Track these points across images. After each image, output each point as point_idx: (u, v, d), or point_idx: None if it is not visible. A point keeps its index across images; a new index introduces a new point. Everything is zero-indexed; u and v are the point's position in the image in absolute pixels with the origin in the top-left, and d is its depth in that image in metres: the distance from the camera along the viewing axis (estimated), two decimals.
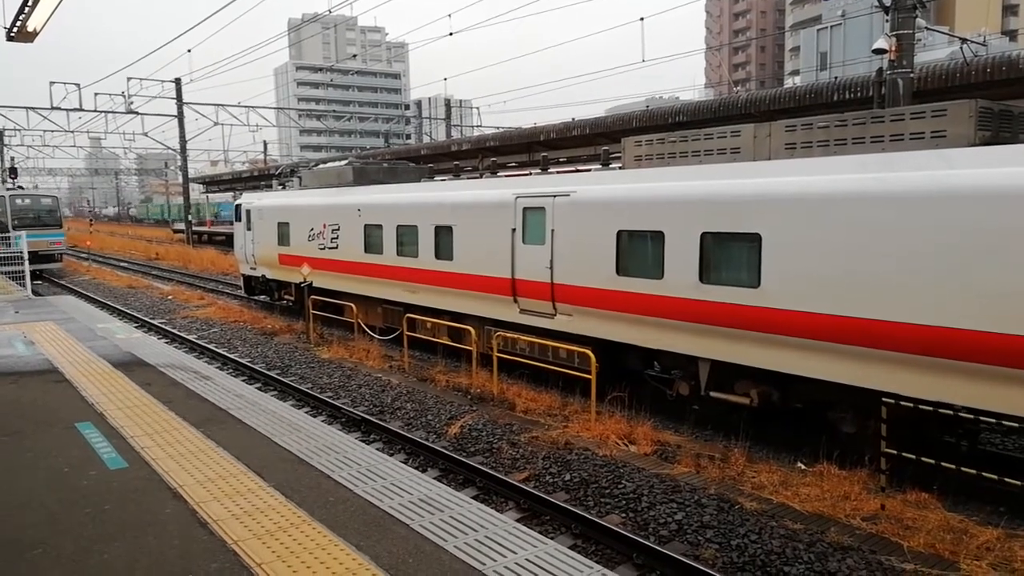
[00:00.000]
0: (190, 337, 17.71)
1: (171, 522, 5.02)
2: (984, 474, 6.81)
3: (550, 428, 10.13)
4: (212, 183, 66.84)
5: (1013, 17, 66.23)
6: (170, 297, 25.72)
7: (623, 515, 7.59)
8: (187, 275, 33.90)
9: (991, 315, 6.88)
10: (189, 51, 35.24)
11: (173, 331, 18.52)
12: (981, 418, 7.12)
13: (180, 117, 45.09)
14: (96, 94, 41.50)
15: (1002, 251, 6.82)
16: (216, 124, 45.03)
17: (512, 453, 9.35)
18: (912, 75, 13.66)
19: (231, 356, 15.53)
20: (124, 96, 41.18)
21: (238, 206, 22.43)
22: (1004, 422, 6.92)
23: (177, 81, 44.34)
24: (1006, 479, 6.69)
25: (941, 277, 7.22)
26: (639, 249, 10.30)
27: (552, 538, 7.07)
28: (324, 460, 6.28)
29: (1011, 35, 60.26)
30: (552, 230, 11.51)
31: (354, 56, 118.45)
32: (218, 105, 44.39)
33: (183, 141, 45.91)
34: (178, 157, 48.38)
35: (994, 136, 7.74)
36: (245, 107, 44.57)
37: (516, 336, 12.27)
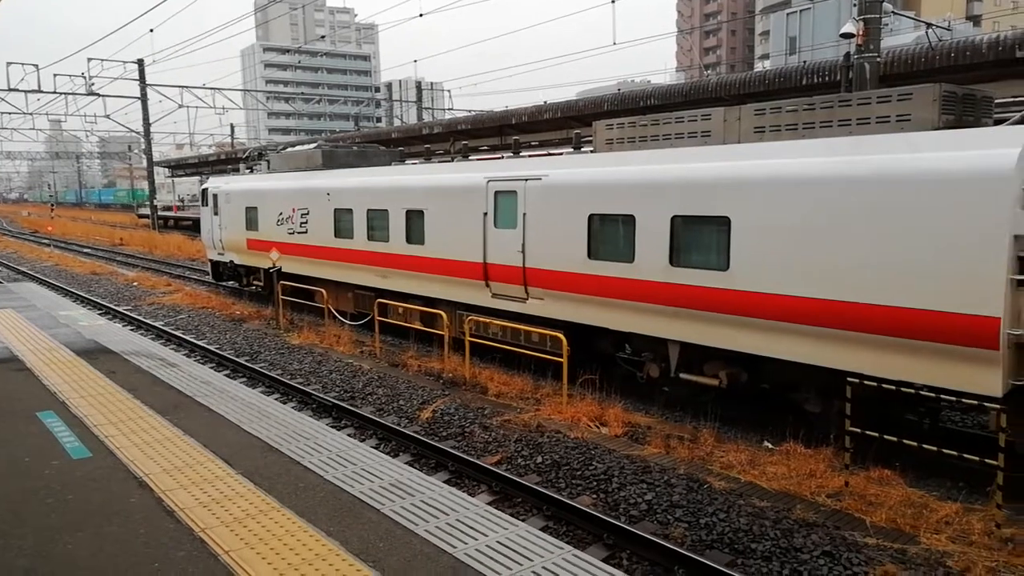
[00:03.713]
0: (156, 324, 17.41)
1: (136, 511, 4.94)
2: (944, 451, 6.99)
3: (522, 411, 10.17)
4: (178, 167, 65.48)
5: (977, 2, 67.29)
6: (135, 283, 25.24)
7: (594, 496, 7.65)
8: (153, 261, 33.27)
9: (955, 295, 7.03)
10: (151, 31, 34.37)
11: (138, 318, 18.18)
12: (942, 396, 7.29)
13: (143, 99, 44.05)
14: (55, 75, 40.20)
15: (963, 233, 6.96)
16: (181, 106, 44.05)
17: (484, 437, 9.37)
18: (879, 59, 13.82)
19: (199, 343, 15.30)
20: (85, 77, 40.07)
21: (204, 190, 22.04)
22: (963, 400, 7.10)
23: (140, 62, 43.27)
24: (965, 455, 6.87)
25: (906, 259, 7.35)
26: (610, 233, 10.32)
27: (523, 520, 7.12)
28: (294, 447, 6.23)
29: (975, 20, 61.30)
30: (524, 214, 11.48)
31: (322, 37, 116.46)
32: (183, 87, 43.43)
33: (147, 124, 44.89)
34: (142, 140, 47.31)
35: (957, 120, 7.86)
36: (211, 89, 43.66)
37: (488, 320, 12.26)
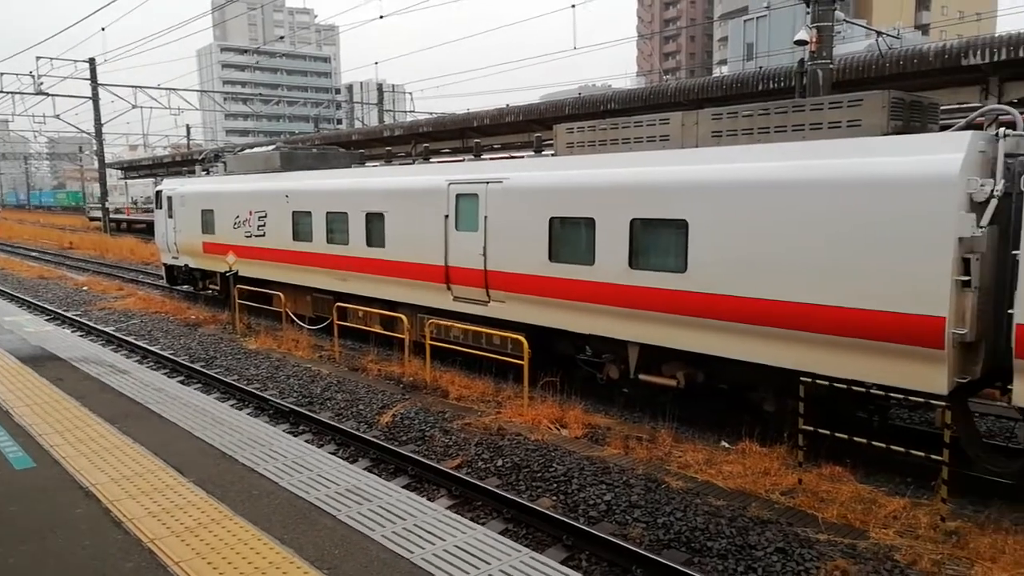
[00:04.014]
0: (107, 329, 16.94)
1: (82, 522, 4.80)
2: (892, 447, 7.18)
3: (483, 414, 10.15)
4: (131, 168, 63.90)
5: (925, 12, 69.54)
6: (85, 288, 24.53)
7: (554, 498, 7.67)
8: (104, 265, 32.38)
9: (903, 297, 7.23)
10: (103, 29, 33.46)
11: (88, 323, 17.67)
12: (891, 394, 7.48)
13: (95, 99, 42.85)
14: (2, 74, 38.88)
15: (910, 236, 7.16)
16: (135, 107, 42.93)
17: (445, 440, 9.32)
18: (831, 66, 14.18)
19: (152, 348, 14.93)
20: (33, 76, 38.80)
21: (159, 192, 21.55)
22: (911, 398, 7.30)
23: (91, 61, 42.09)
24: (912, 451, 7.06)
25: (857, 261, 7.53)
26: (571, 235, 10.37)
27: (483, 524, 7.10)
28: (249, 453, 6.12)
29: (924, 29, 63.33)
30: (485, 217, 11.47)
31: (281, 38, 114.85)
32: (136, 87, 42.37)
33: (98, 124, 43.67)
34: (93, 141, 46.03)
35: (905, 125, 8.09)
36: (166, 89, 42.67)
37: (450, 323, 12.21)
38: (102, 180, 47.06)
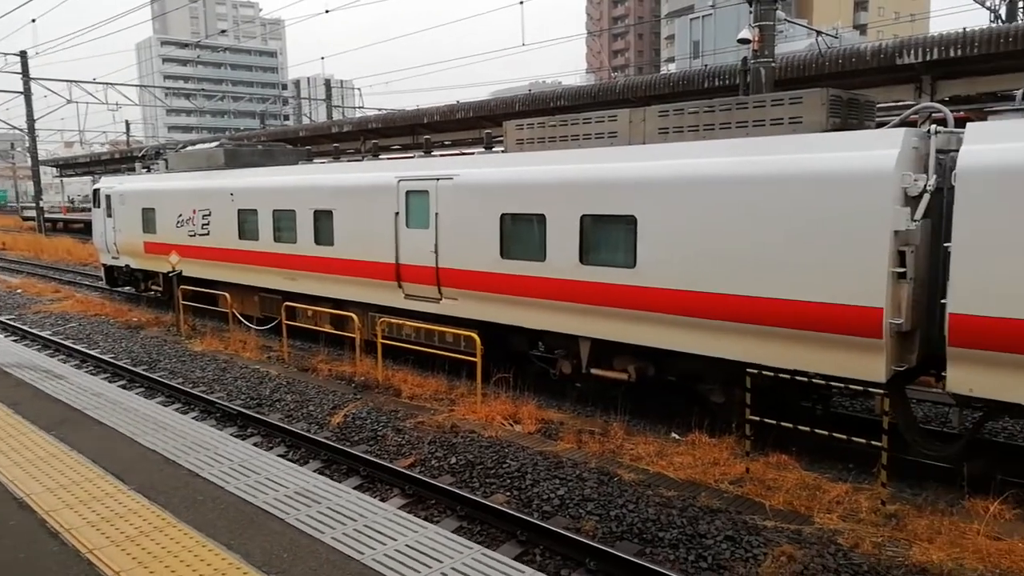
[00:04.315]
0: (43, 334, 16.29)
1: (16, 534, 4.60)
2: (835, 435, 7.40)
3: (436, 412, 10.09)
4: (67, 166, 61.50)
5: (863, 12, 71.82)
6: (19, 291, 23.54)
7: (508, 494, 7.68)
8: (39, 266, 31.13)
9: (843, 288, 7.45)
10: (33, 21, 32.12)
11: (22, 327, 16.95)
12: (832, 383, 7.71)
13: (27, 93, 41.11)
14: None
15: (849, 229, 7.38)
16: (70, 102, 41.32)
17: (397, 440, 9.24)
18: (773, 64, 14.50)
19: (91, 352, 14.41)
20: None
21: (96, 191, 20.81)
22: (851, 386, 7.53)
23: (22, 54, 40.36)
24: (853, 438, 7.29)
25: (798, 254, 7.73)
26: (522, 232, 10.38)
27: (437, 522, 7.06)
28: (193, 458, 5.95)
29: (862, 29, 65.38)
30: (436, 213, 11.40)
31: (223, 32, 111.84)
32: (71, 81, 40.77)
33: (31, 120, 41.92)
34: (26, 138, 44.15)
35: (843, 122, 8.33)
36: (102, 84, 41.18)
37: (401, 322, 12.10)
38: (36, 178, 45.20)
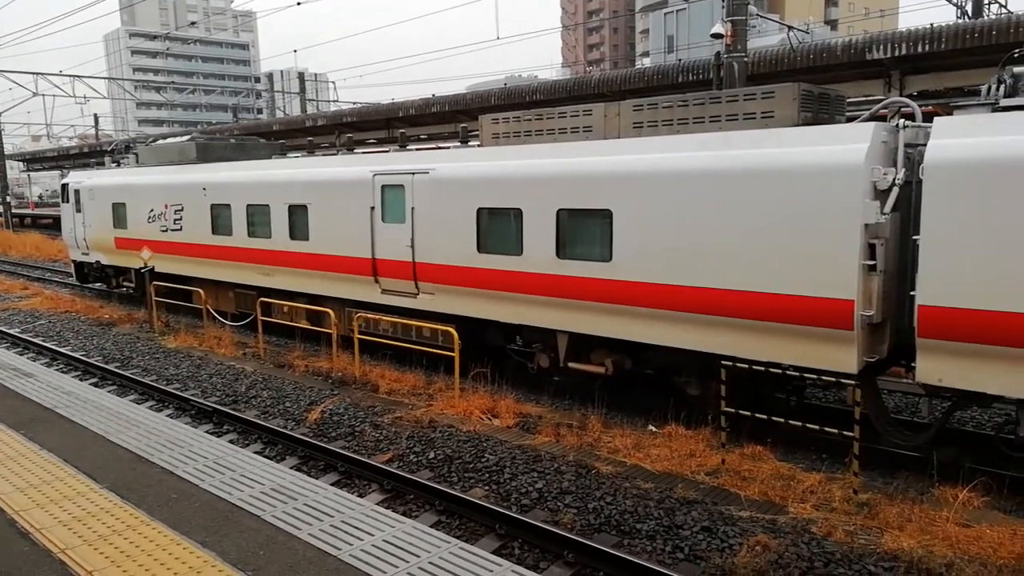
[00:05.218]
0: (11, 331, 15.95)
1: None
2: (808, 425, 7.52)
3: (414, 407, 10.07)
4: (34, 160, 60.24)
5: (834, 8, 72.62)
6: None
7: (487, 488, 7.70)
8: (7, 263, 30.47)
9: (815, 281, 7.56)
10: None
11: None
12: (805, 375, 7.83)
13: None
14: None
15: (820, 223, 7.48)
16: (36, 94, 40.41)
17: (375, 435, 9.21)
18: (746, 59, 14.63)
19: (61, 350, 14.16)
20: None
21: (65, 186, 20.41)
22: (824, 377, 7.65)
23: None
24: (826, 428, 7.41)
25: (771, 247, 7.82)
26: (499, 226, 10.38)
27: (415, 517, 7.06)
28: (167, 456, 5.89)
29: (832, 24, 66.12)
30: (412, 208, 11.35)
31: (193, 23, 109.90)
32: (37, 73, 39.87)
33: None
34: None
35: (814, 117, 8.44)
36: (70, 76, 40.34)
37: (378, 317, 12.04)
38: (2, 173, 44.20)
